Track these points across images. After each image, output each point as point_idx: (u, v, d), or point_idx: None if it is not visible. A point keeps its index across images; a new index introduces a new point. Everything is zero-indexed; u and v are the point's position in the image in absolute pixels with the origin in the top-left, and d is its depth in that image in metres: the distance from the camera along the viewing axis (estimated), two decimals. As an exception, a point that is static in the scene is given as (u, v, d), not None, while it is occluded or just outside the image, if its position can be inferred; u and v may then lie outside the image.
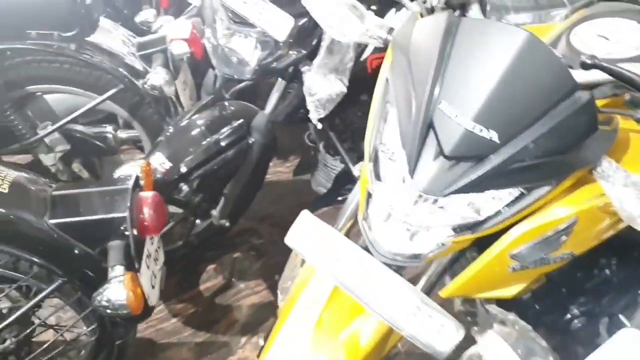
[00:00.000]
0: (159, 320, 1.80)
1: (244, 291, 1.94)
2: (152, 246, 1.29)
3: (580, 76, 0.90)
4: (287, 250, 2.18)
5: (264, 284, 1.97)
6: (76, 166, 1.80)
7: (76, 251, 1.13)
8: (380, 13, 1.51)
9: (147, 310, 1.18)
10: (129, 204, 1.15)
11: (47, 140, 1.71)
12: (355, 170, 1.17)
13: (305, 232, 1.04)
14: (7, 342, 1.16)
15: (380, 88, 0.99)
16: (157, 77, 1.60)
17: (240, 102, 1.73)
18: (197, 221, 1.88)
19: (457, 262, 1.10)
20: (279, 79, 1.58)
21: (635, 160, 0.90)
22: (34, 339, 1.25)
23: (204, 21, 1.58)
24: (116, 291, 1.05)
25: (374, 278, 1.00)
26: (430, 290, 1.10)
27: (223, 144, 1.61)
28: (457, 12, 1.01)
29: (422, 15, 0.98)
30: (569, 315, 1.27)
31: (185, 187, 1.65)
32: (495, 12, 1.71)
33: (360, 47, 1.40)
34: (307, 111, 1.63)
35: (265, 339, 1.13)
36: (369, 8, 1.48)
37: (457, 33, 0.85)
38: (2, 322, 1.15)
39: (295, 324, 1.09)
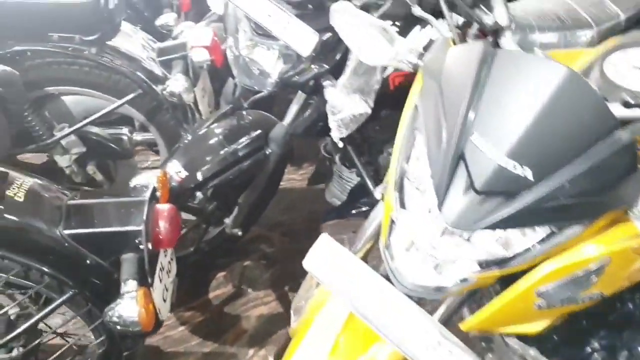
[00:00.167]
0: (167, 327, 1.79)
1: (253, 301, 1.92)
2: (166, 258, 1.27)
3: (619, 111, 0.87)
4: (298, 260, 2.16)
5: (274, 294, 1.95)
6: (91, 168, 1.79)
7: (89, 263, 1.11)
8: (405, 30, 1.48)
9: (158, 324, 1.16)
10: (145, 217, 1.13)
11: (63, 142, 1.70)
12: (377, 192, 1.14)
13: (324, 256, 1.01)
14: (15, 352, 1.15)
15: (408, 114, 0.96)
16: (176, 84, 1.58)
17: (258, 112, 1.71)
18: (209, 228, 1.86)
19: (477, 293, 1.07)
20: (299, 92, 1.55)
21: (675, 202, 0.86)
22: (40, 347, 1.23)
23: (226, 29, 1.55)
24: (128, 307, 1.03)
25: (394, 308, 0.98)
26: (448, 320, 1.07)
27: (240, 154, 1.59)
28: (490, 38, 0.97)
29: (454, 42, 0.94)
30: (588, 349, 1.23)
31: (199, 195, 1.64)
32: (520, 31, 1.68)
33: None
34: (326, 124, 1.60)
35: (275, 357, 1.11)
36: (393, 24, 1.46)
37: (493, 64, 0.82)
38: (11, 331, 1.14)
39: (310, 348, 1.07)
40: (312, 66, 1.40)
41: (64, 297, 1.10)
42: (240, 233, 1.78)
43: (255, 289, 1.96)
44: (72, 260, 1.10)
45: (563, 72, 0.79)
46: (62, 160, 1.73)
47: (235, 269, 2.04)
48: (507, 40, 0.96)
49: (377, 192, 1.14)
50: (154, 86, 1.67)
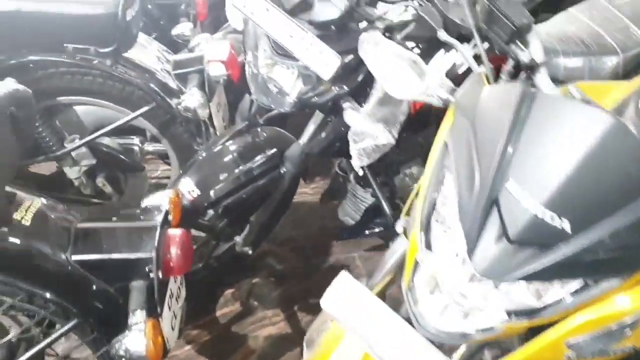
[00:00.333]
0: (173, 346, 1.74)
1: (261, 320, 1.87)
2: (175, 284, 1.23)
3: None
4: (308, 278, 2.11)
5: (282, 314, 1.91)
6: (100, 181, 1.76)
7: (96, 290, 1.07)
8: (428, 52, 1.43)
9: (165, 354, 1.12)
10: (156, 244, 1.09)
11: (73, 153, 1.66)
12: (398, 226, 1.09)
13: (343, 296, 0.97)
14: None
15: (437, 151, 0.92)
16: (192, 99, 1.54)
17: (274, 129, 1.66)
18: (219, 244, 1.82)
19: (500, 336, 1.02)
20: (317, 111, 1.51)
21: None
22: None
23: (245, 45, 1.51)
24: (136, 341, 0.99)
25: (413, 351, 0.93)
26: (468, 363, 1.02)
27: (255, 173, 1.55)
28: (524, 75, 0.93)
29: (487, 78, 0.89)
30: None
31: (210, 212, 1.60)
32: (545, 55, 1.63)
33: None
34: (344, 145, 1.55)
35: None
36: (416, 46, 1.41)
37: (532, 108, 0.78)
38: (14, 356, 1.10)
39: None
40: (332, 87, 1.36)
41: (69, 325, 1.07)
42: (250, 252, 1.74)
43: (264, 307, 1.92)
44: (78, 287, 1.06)
45: (607, 121, 0.74)
46: (72, 172, 1.69)
47: (243, 286, 1.99)
48: (542, 77, 0.91)
49: (398, 226, 1.09)
50: (168, 99, 1.64)
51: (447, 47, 1.37)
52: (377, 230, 1.91)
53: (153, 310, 1.07)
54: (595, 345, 0.87)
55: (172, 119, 1.68)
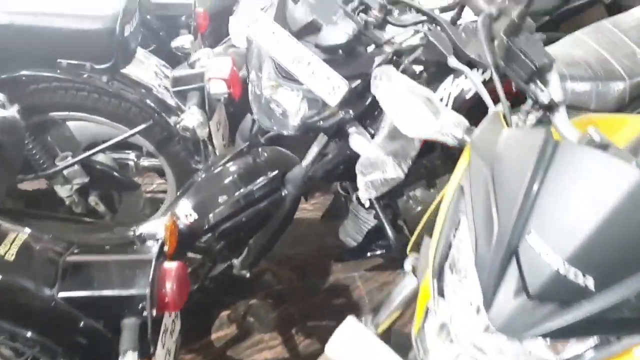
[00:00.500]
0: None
1: (258, 344, 1.82)
2: (170, 317, 1.17)
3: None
4: (306, 299, 2.06)
5: (280, 337, 1.85)
6: (93, 199, 1.69)
7: (85, 328, 1.01)
8: (436, 77, 1.39)
9: (158, 391, 1.07)
10: (150, 280, 1.03)
11: (65, 171, 1.60)
12: (407, 264, 1.04)
13: (349, 342, 0.92)
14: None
15: (452, 194, 0.87)
16: (191, 118, 1.48)
17: (276, 149, 1.61)
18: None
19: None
20: (322, 134, 1.46)
21: None
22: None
23: (248, 64, 1.46)
24: (128, 385, 0.94)
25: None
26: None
27: (255, 195, 1.50)
28: (541, 111, 0.88)
29: (505, 118, 0.85)
30: None
31: (208, 235, 1.54)
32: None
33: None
34: (347, 168, 1.51)
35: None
36: (423, 70, 1.37)
37: (555, 157, 0.73)
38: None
39: None
40: (338, 112, 1.31)
41: (56, 366, 1.01)
42: (248, 275, 1.68)
43: (261, 330, 1.86)
44: (65, 325, 1.00)
45: (634, 176, 0.69)
46: (63, 191, 1.63)
47: (239, 307, 1.93)
48: (561, 116, 0.87)
49: (406, 264, 1.04)
50: (165, 117, 1.58)
51: (457, 73, 1.33)
52: (378, 252, 1.87)
53: (145, 351, 1.01)
54: (615, 401, 0.82)
55: (169, 137, 1.63)
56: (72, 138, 1.67)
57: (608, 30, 1.80)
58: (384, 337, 1.06)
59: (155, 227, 1.23)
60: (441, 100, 1.37)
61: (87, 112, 1.58)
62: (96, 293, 1.01)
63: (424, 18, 1.13)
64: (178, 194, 1.51)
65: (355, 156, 1.37)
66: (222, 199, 1.46)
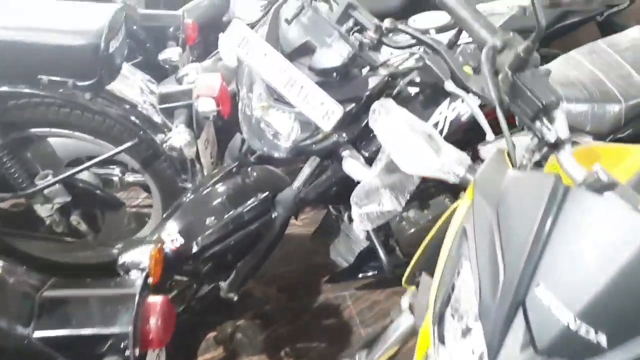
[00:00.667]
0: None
1: (245, 369, 1.77)
2: (154, 352, 1.11)
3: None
4: (296, 320, 2.01)
5: (268, 360, 1.80)
6: (75, 219, 1.62)
7: (63, 370, 0.95)
8: (432, 100, 1.36)
9: None
10: (133, 316, 0.97)
11: (45, 190, 1.53)
12: (404, 301, 1.00)
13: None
14: None
15: (452, 235, 0.83)
16: (178, 137, 1.43)
17: (266, 169, 1.56)
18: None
19: None
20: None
21: None
22: None
23: (238, 82, 1.41)
24: None
25: None
26: None
27: (245, 218, 1.44)
28: (546, 149, 0.84)
29: (509, 157, 0.81)
30: None
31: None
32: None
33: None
34: (340, 190, 1.46)
35: None
36: (418, 93, 1.33)
37: (565, 204, 0.69)
38: None
39: None
40: (332, 135, 1.26)
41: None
42: (235, 298, 1.63)
43: (249, 352, 1.81)
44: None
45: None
46: (43, 210, 1.55)
47: (227, 328, 1.87)
48: (567, 154, 0.83)
49: (403, 301, 1.00)
50: (151, 134, 1.52)
51: (454, 97, 1.30)
52: (370, 273, 1.83)
53: (128, 392, 0.96)
54: None
55: (155, 155, 1.57)
56: (53, 154, 1.60)
57: (603, 51, 1.79)
58: (378, 375, 1.02)
59: (140, 256, 1.18)
60: (437, 124, 1.34)
61: (70, 128, 1.51)
62: (75, 332, 0.95)
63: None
64: (164, 216, 1.44)
65: (349, 179, 1.33)
66: (210, 222, 1.40)
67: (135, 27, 1.89)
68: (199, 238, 1.39)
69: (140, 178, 1.81)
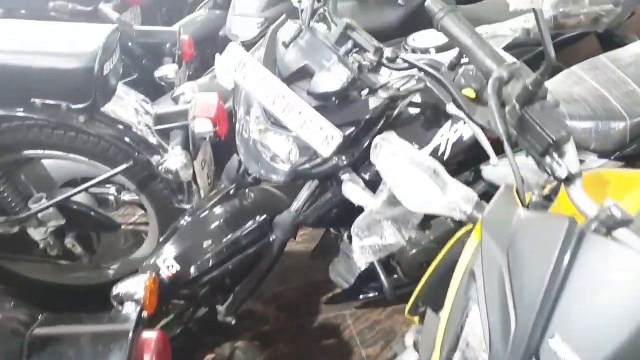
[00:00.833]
0: None
1: (244, 391, 1.73)
2: (149, 388, 1.07)
3: None
4: (295, 339, 1.97)
5: (267, 383, 1.76)
6: (69, 241, 1.58)
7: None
8: (433, 121, 1.33)
9: None
10: (127, 354, 0.94)
11: (39, 213, 1.49)
12: (408, 338, 0.97)
13: None
14: None
15: (460, 274, 0.79)
16: (174, 160, 1.40)
17: (264, 190, 1.53)
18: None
19: None
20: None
21: None
22: None
23: (234, 103, 1.38)
24: None
25: None
26: None
27: (242, 242, 1.41)
28: (555, 182, 0.81)
29: (518, 194, 0.78)
30: None
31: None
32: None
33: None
34: (340, 213, 1.43)
35: None
36: (419, 114, 1.30)
37: (580, 251, 0.66)
38: None
39: None
40: (331, 159, 1.23)
41: None
42: (234, 322, 1.59)
43: (247, 375, 1.77)
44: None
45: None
46: (36, 233, 1.52)
47: (225, 349, 1.84)
48: (577, 189, 0.80)
49: (408, 338, 0.97)
50: (147, 156, 1.49)
51: (456, 119, 1.27)
52: (371, 295, 1.79)
53: None
54: None
55: (151, 176, 1.53)
56: (47, 177, 1.57)
57: (605, 67, 1.76)
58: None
59: (135, 286, 1.15)
60: (439, 147, 1.31)
61: (64, 150, 1.48)
62: (66, 373, 0.91)
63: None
64: (160, 240, 1.41)
65: (349, 201, 1.30)
66: (207, 246, 1.37)
67: (130, 44, 1.86)
68: (196, 263, 1.36)
69: (137, 197, 1.78)
